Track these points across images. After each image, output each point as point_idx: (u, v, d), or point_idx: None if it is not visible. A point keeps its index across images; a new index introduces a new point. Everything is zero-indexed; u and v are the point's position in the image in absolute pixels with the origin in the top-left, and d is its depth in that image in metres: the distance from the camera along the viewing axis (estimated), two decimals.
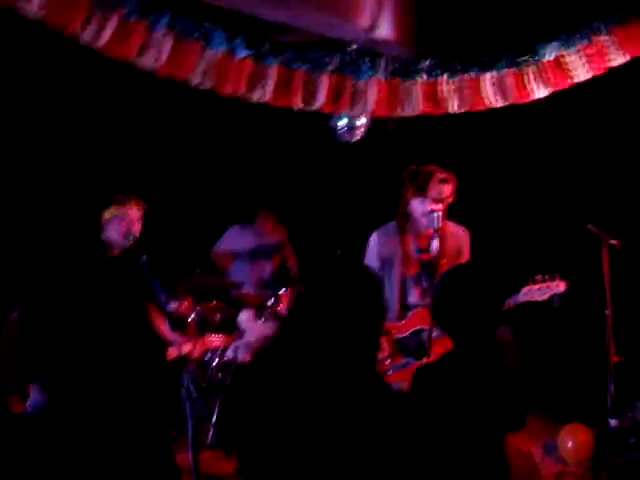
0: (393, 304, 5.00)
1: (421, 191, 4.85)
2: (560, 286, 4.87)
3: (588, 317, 5.64)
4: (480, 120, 5.24)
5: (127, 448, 2.69)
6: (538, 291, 4.83)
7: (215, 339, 5.67)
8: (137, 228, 4.99)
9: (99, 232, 4.98)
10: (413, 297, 5.01)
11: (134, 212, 4.97)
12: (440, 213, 4.90)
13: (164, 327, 5.16)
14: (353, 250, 5.54)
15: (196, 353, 5.38)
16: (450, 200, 4.95)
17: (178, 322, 5.42)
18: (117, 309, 4.78)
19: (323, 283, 2.76)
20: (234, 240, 6.84)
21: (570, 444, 5.49)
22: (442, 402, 2.95)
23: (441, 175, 4.84)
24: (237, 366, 6.01)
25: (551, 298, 4.93)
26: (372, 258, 5.03)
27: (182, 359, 5.12)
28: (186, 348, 5.25)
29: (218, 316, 6.18)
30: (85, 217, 5.10)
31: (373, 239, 5.06)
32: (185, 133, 6.97)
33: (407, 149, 6.53)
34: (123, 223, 4.95)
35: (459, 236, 5.04)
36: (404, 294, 5.00)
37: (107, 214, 4.95)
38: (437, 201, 4.85)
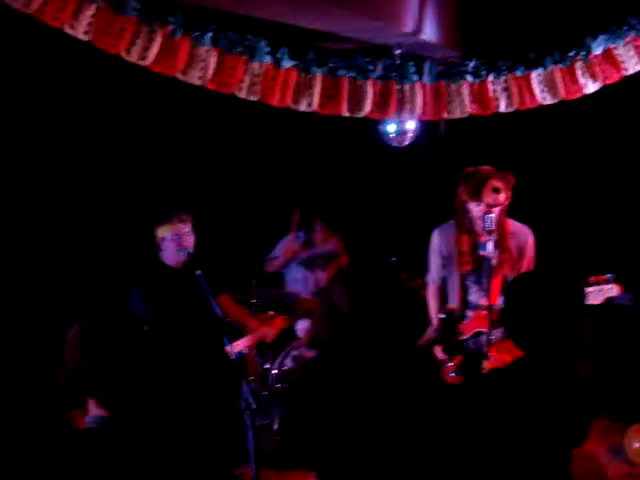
0: (454, 301, 5.00)
1: (476, 196, 4.84)
2: (614, 289, 4.78)
3: None
4: (535, 117, 5.17)
5: (187, 462, 2.70)
6: (591, 294, 4.75)
7: (284, 320, 5.67)
8: (190, 242, 5.01)
9: (156, 250, 5.03)
10: (473, 295, 4.99)
11: (182, 227, 4.99)
12: (494, 215, 4.87)
13: (240, 313, 5.25)
14: (409, 257, 5.53)
15: (270, 337, 5.42)
16: (507, 202, 4.91)
17: (236, 333, 5.44)
18: (185, 325, 4.87)
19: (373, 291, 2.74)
20: (289, 249, 6.84)
21: (637, 445, 5.37)
22: (509, 411, 2.88)
23: (495, 183, 4.80)
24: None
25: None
26: (435, 254, 5.10)
27: (241, 369, 5.18)
28: (260, 333, 5.30)
29: None
30: (142, 232, 5.15)
31: (434, 236, 5.12)
32: (239, 143, 7.02)
33: (460, 149, 6.49)
34: (175, 240, 4.98)
35: (521, 234, 5.00)
36: (464, 291, 4.99)
37: (159, 232, 4.99)
38: (491, 206, 4.83)
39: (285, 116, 4.93)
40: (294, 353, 6.09)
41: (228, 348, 4.90)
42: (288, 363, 6.10)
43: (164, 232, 4.98)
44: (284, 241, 6.85)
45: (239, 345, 5.20)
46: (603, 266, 4.93)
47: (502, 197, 4.84)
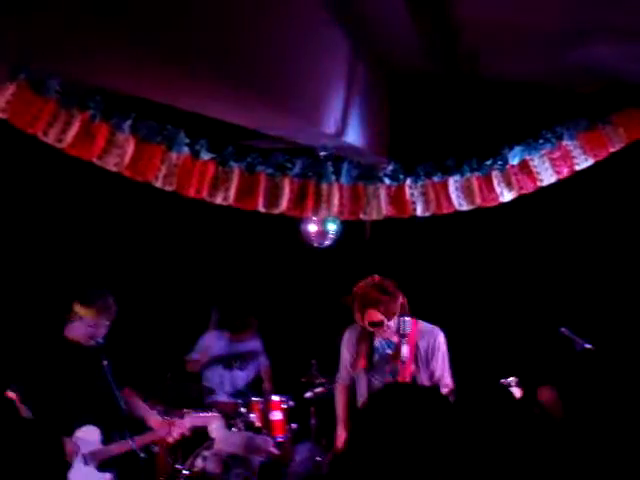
0: (360, 398, 4.99)
1: (359, 320, 4.87)
2: (516, 393, 4.75)
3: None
4: (458, 220, 5.22)
5: None
6: None
7: (192, 420, 5.39)
8: (102, 333, 4.87)
9: (64, 322, 4.86)
10: None
11: (103, 320, 4.83)
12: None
13: (145, 412, 5.08)
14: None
15: (172, 437, 5.14)
16: (392, 316, 4.83)
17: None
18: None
19: None
20: (209, 346, 6.73)
21: None
22: None
23: (372, 316, 4.81)
24: (206, 476, 5.86)
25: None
26: (346, 352, 5.10)
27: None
28: (159, 433, 5.05)
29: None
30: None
31: (346, 335, 5.12)
32: (167, 237, 6.99)
33: (385, 252, 6.52)
34: (89, 327, 4.82)
35: (431, 335, 5.00)
36: (370, 390, 4.92)
37: (79, 310, 4.80)
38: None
39: (212, 209, 4.88)
40: (205, 454, 5.91)
41: (130, 443, 4.78)
42: (199, 464, 5.92)
43: (85, 314, 4.79)
44: (204, 338, 6.74)
45: (138, 442, 4.99)
46: (507, 369, 4.91)
47: (384, 326, 4.82)
